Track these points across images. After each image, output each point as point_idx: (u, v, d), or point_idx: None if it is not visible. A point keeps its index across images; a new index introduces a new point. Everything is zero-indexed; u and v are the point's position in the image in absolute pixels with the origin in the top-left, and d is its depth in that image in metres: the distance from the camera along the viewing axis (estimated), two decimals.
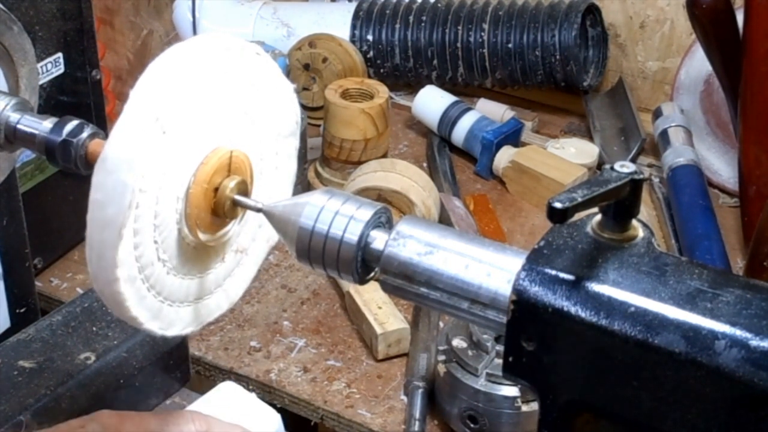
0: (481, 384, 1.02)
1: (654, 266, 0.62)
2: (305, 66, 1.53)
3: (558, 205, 0.59)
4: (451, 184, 1.41)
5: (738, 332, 0.57)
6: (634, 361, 0.60)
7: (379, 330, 1.14)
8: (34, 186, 1.19)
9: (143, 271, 0.69)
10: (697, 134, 1.47)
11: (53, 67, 1.16)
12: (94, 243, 0.66)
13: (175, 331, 0.75)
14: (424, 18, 1.57)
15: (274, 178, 0.79)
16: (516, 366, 0.64)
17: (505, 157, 1.44)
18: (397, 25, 1.58)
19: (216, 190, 0.71)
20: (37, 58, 0.95)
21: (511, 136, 1.48)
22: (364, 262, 0.69)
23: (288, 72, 1.53)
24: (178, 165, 0.69)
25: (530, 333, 0.62)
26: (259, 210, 0.72)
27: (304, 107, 1.49)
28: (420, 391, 1.07)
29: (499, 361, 0.99)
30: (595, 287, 0.61)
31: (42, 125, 0.77)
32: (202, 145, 0.70)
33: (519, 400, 1.01)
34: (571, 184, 1.37)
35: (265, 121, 0.76)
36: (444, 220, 1.30)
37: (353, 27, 1.60)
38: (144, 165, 0.65)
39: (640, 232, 0.64)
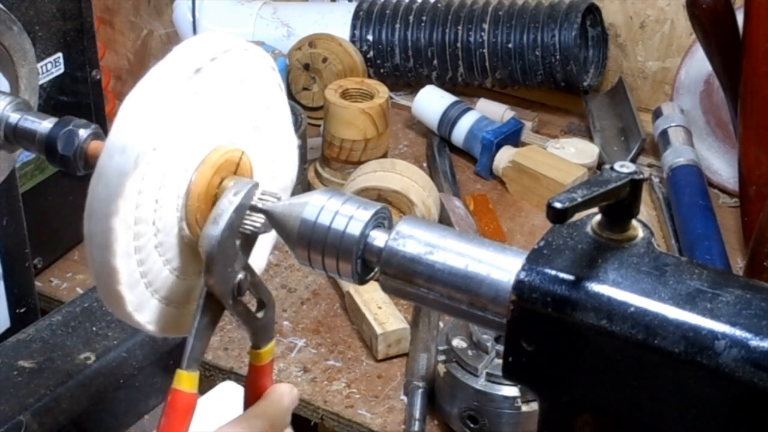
0: (481, 384, 1.03)
1: (654, 266, 0.62)
2: (305, 66, 1.53)
3: (558, 205, 0.59)
4: (451, 184, 1.41)
5: (738, 332, 0.57)
6: (634, 362, 0.60)
7: (379, 330, 1.14)
8: (34, 186, 1.19)
9: (144, 271, 0.69)
10: (697, 134, 1.47)
11: (53, 67, 1.16)
12: (94, 242, 0.66)
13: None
14: (424, 18, 1.57)
15: (273, 179, 0.79)
16: (516, 366, 0.64)
17: (505, 157, 1.44)
18: (397, 25, 1.58)
19: (216, 190, 0.71)
20: (37, 58, 0.95)
21: (511, 136, 1.48)
22: (364, 262, 0.69)
23: (288, 72, 1.53)
24: (178, 165, 0.68)
25: (530, 333, 0.62)
26: (259, 210, 0.71)
27: (304, 107, 1.49)
28: (420, 391, 1.07)
29: (499, 361, 0.99)
30: (595, 287, 0.61)
31: (42, 125, 0.77)
32: (201, 145, 0.70)
33: (519, 400, 1.01)
34: (571, 184, 1.37)
35: (264, 122, 0.76)
36: (444, 220, 1.30)
37: (353, 27, 1.60)
38: (144, 164, 0.65)
39: (640, 232, 0.64)
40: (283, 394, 0.79)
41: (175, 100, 0.67)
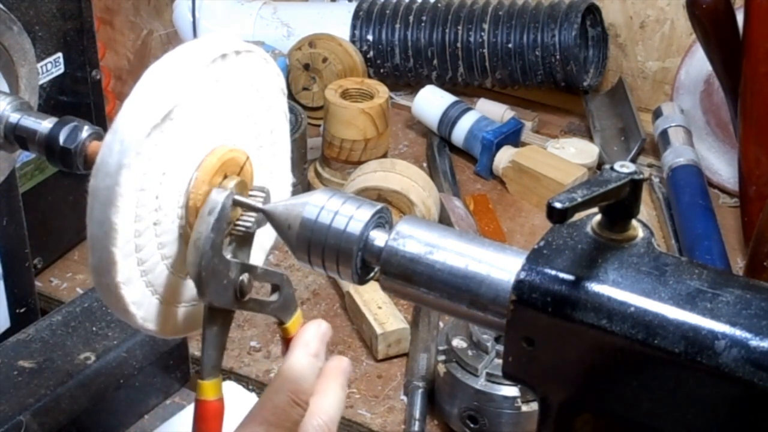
0: (481, 384, 1.02)
1: (654, 266, 0.62)
2: (305, 66, 1.53)
3: (558, 205, 0.59)
4: (451, 184, 1.41)
5: (738, 332, 0.57)
6: (634, 362, 0.60)
7: (379, 330, 1.14)
8: (34, 186, 1.19)
9: (139, 245, 0.68)
10: (697, 134, 1.47)
11: (53, 67, 1.16)
12: (98, 198, 0.65)
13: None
14: (424, 18, 1.57)
15: (273, 179, 0.79)
16: (516, 366, 0.64)
17: (505, 157, 1.44)
18: (397, 25, 1.58)
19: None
20: (37, 58, 0.95)
21: (511, 136, 1.48)
22: (364, 262, 0.69)
23: (288, 72, 1.53)
24: (178, 165, 0.68)
25: (530, 333, 0.62)
26: (259, 210, 0.72)
27: (304, 107, 1.49)
28: (420, 391, 1.07)
29: (499, 361, 0.99)
30: (595, 287, 0.61)
31: (42, 125, 0.77)
32: (202, 144, 0.70)
33: (519, 400, 1.01)
34: (571, 184, 1.37)
35: (267, 143, 0.76)
36: (444, 220, 1.30)
37: (353, 27, 1.60)
38: (159, 131, 0.65)
39: (640, 232, 0.64)
40: (308, 342, 0.74)
41: (199, 70, 0.68)
